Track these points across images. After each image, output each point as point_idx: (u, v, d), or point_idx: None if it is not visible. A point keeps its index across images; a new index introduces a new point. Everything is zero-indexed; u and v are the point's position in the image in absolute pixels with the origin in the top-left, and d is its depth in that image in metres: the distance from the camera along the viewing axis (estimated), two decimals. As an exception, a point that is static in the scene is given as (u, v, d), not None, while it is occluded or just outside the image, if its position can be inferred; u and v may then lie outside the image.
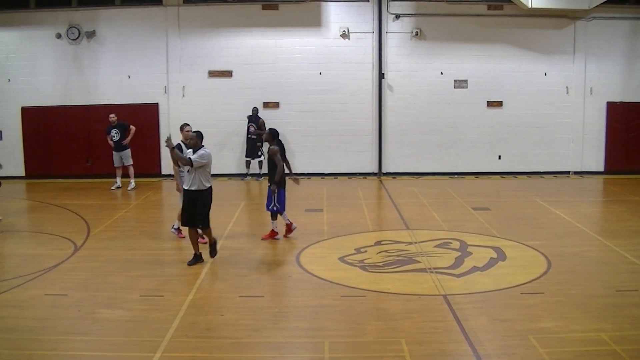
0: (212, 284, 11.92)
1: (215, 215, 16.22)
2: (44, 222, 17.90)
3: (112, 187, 22.04)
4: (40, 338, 9.73)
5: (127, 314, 10.67)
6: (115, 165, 21.99)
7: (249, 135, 22.78)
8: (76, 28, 23.62)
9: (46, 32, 23.94)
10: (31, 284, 12.30)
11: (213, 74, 23.37)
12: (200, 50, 23.45)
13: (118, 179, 22.18)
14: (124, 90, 23.77)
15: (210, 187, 13.05)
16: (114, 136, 21.61)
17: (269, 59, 23.28)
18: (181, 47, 23.50)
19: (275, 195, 14.64)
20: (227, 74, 23.32)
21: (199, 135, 13.01)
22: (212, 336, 9.65)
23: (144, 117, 23.52)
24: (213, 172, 13.63)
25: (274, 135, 14.73)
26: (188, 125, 14.93)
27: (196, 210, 12.82)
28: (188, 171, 12.89)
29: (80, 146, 24.24)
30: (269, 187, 14.69)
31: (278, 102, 23.29)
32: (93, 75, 24.07)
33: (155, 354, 9.07)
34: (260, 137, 21.45)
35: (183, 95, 23.44)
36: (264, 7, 23.11)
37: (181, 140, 14.38)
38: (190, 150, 13.11)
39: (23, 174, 24.59)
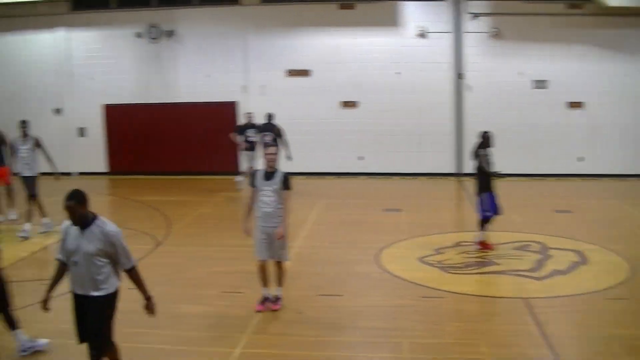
0: (292, 282, 11.92)
1: (294, 214, 16.31)
2: (126, 218, 18.18)
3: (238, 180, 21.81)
4: (122, 331, 9.83)
5: (208, 310, 10.78)
6: (244, 168, 21.43)
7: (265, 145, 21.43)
8: (156, 27, 23.97)
9: (127, 31, 24.36)
10: (114, 278, 12.51)
11: (291, 73, 23.43)
12: (279, 49, 23.54)
13: (241, 177, 21.65)
14: (203, 88, 24.00)
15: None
16: (250, 136, 21.03)
17: (346, 59, 23.23)
18: (259, 46, 23.62)
19: (485, 199, 13.76)
20: (306, 73, 23.35)
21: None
22: (291, 334, 9.68)
23: (223, 115, 23.73)
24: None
25: (487, 138, 13.75)
26: None
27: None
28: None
29: (161, 143, 24.56)
30: (481, 193, 13.79)
31: (356, 102, 23.23)
32: (172, 73, 24.40)
33: (235, 349, 9.14)
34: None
35: (262, 94, 23.54)
36: (341, 7, 23.07)
37: None
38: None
39: (106, 170, 25.05)
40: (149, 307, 7.67)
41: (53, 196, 11.46)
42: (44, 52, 25.07)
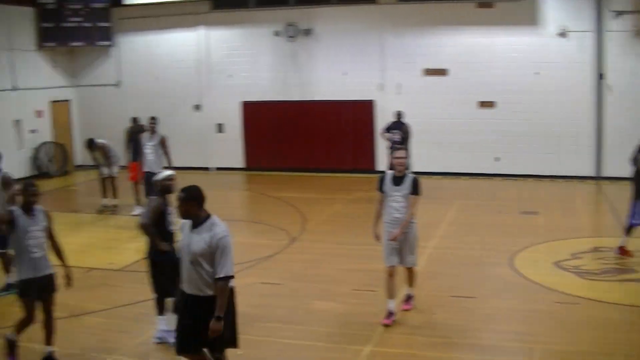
0: (425, 282, 11.90)
1: (429, 214, 16.27)
2: (262, 213, 18.59)
3: None
4: (255, 324, 10.11)
5: (340, 307, 10.90)
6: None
7: (393, 146, 19.69)
8: (294, 26, 24.24)
9: (265, 30, 24.71)
10: (248, 272, 12.81)
11: (428, 72, 23.26)
12: (415, 48, 23.38)
13: None
14: (340, 87, 24.11)
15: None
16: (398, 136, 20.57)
17: (484, 58, 22.85)
18: (396, 44, 23.53)
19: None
20: (443, 72, 23.15)
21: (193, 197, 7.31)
22: (423, 334, 9.67)
23: (359, 114, 23.80)
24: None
25: None
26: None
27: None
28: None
29: (297, 141, 24.85)
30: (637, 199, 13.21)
31: (494, 102, 22.87)
32: (309, 71, 24.65)
33: (365, 347, 9.21)
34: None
35: (398, 93, 23.49)
36: (479, 5, 22.70)
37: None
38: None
39: (243, 165, 25.57)
40: (214, 327, 6.93)
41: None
42: (185, 50, 25.80)
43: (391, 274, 10.16)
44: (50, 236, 8.85)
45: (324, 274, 12.77)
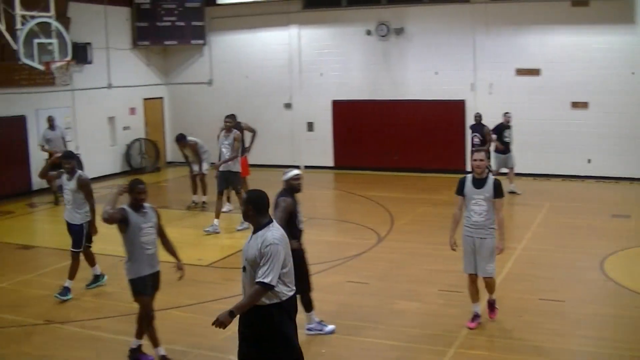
0: (513, 284, 11.77)
1: (518, 216, 16.09)
2: (349, 212, 18.62)
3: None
4: (340, 322, 10.15)
5: (424, 307, 10.85)
6: (495, 169, 19.90)
7: (473, 148, 19.36)
8: (385, 25, 24.19)
9: (356, 29, 24.74)
10: (335, 270, 12.89)
11: (520, 72, 22.90)
12: (507, 47, 23.05)
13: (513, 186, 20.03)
14: (431, 86, 23.95)
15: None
16: (506, 137, 20.06)
17: (577, 57, 22.33)
18: (488, 44, 23.24)
19: None
20: (535, 72, 22.75)
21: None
22: (509, 337, 9.55)
23: (450, 114, 23.60)
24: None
25: None
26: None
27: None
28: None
29: (387, 140, 24.81)
30: None
31: (587, 102, 22.37)
32: (400, 71, 24.56)
33: (449, 348, 9.15)
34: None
35: (490, 93, 23.22)
36: (574, 4, 22.21)
37: None
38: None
39: (332, 164, 25.65)
40: (221, 318, 6.65)
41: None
42: (276, 48, 26.03)
43: (473, 280, 9.97)
44: (161, 232, 9.01)
45: (410, 274, 12.73)
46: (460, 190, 9.86)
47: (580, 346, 9.31)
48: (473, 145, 19.65)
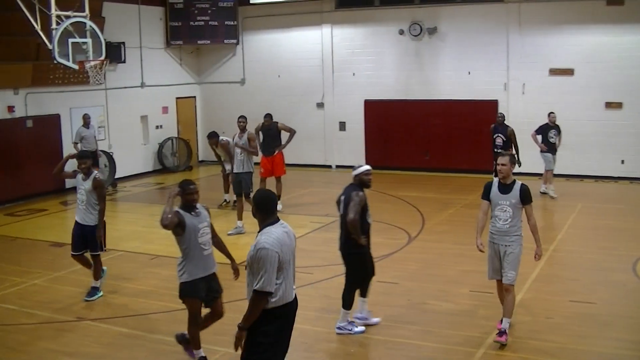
0: (543, 286, 11.69)
1: (550, 216, 15.97)
2: (381, 212, 18.51)
3: (549, 193, 19.73)
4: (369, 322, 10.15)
5: (455, 308, 10.81)
6: (547, 169, 19.77)
7: (495, 150, 19.10)
8: (418, 24, 24.12)
9: (389, 28, 24.71)
10: (365, 270, 12.85)
11: (554, 71, 22.72)
12: (541, 47, 22.86)
13: (544, 186, 19.85)
14: (463, 86, 23.85)
15: None
16: (552, 137, 19.66)
17: (611, 57, 22.08)
18: (521, 43, 23.06)
19: None
20: (569, 72, 22.56)
21: None
22: (537, 338, 9.47)
23: (483, 114, 23.38)
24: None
25: None
26: None
27: None
28: None
29: (419, 140, 24.74)
30: None
31: (621, 103, 22.14)
32: (433, 70, 24.47)
33: (478, 350, 9.11)
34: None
35: (523, 93, 23.06)
36: (609, 3, 21.93)
37: None
38: None
39: (363, 164, 25.49)
40: (236, 335, 6.55)
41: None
42: (309, 48, 26.07)
43: (500, 288, 9.65)
44: (212, 232, 8.85)
45: (441, 274, 12.70)
46: (486, 195, 9.54)
47: (609, 348, 9.21)
48: (495, 146, 19.25)
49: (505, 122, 19.72)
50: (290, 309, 6.72)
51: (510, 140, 19.00)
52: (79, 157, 11.66)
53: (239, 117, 17.09)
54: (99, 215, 11.51)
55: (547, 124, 19.73)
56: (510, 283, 9.32)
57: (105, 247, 11.95)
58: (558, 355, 8.95)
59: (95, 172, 11.68)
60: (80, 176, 11.57)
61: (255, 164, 17.24)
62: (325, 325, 10.18)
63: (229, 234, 15.60)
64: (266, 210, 6.67)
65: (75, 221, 11.66)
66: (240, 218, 16.20)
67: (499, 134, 19.21)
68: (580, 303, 10.87)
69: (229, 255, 9.03)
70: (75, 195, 11.70)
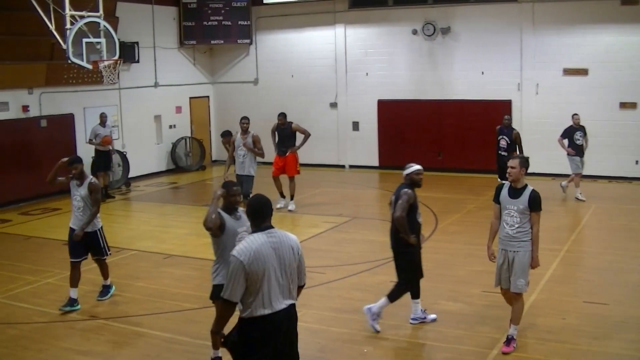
0: (556, 286, 11.65)
1: (564, 217, 15.90)
2: (393, 212, 18.53)
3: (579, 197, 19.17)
4: (382, 322, 10.12)
5: (468, 308, 10.79)
6: (574, 173, 19.26)
7: (499, 152, 18.62)
8: (432, 24, 24.08)
9: (402, 28, 24.67)
10: (378, 270, 12.86)
11: (568, 72, 22.63)
12: (555, 47, 22.78)
13: (579, 191, 19.26)
14: (477, 86, 23.79)
15: None
16: (578, 139, 19.14)
17: (626, 57, 21.95)
18: (535, 43, 22.99)
19: None
20: (583, 72, 22.46)
21: None
22: (551, 339, 9.42)
23: (496, 114, 23.20)
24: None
25: None
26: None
27: None
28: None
29: (432, 140, 24.71)
30: None
31: (635, 103, 22.01)
32: (446, 70, 24.43)
33: (492, 350, 9.08)
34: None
35: (536, 93, 23.00)
36: (623, 3, 21.81)
37: None
38: None
39: (377, 164, 25.60)
40: (212, 342, 6.57)
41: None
42: (322, 48, 26.07)
43: (508, 297, 9.37)
44: None
45: (454, 275, 12.67)
46: (497, 198, 9.27)
47: (623, 350, 9.15)
48: (499, 148, 18.71)
49: (511, 125, 19.08)
50: (272, 321, 6.32)
51: (516, 143, 18.42)
52: (70, 163, 11.13)
53: (242, 118, 16.85)
54: (89, 217, 11.05)
55: (571, 126, 19.28)
56: (519, 291, 9.08)
57: (109, 251, 11.68)
58: (571, 357, 8.90)
59: (90, 177, 11.32)
60: (74, 182, 11.19)
61: (263, 163, 17.12)
62: (339, 325, 10.17)
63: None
64: (256, 216, 6.44)
65: (71, 228, 11.25)
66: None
67: (504, 136, 18.67)
68: (594, 304, 10.82)
69: None
70: (70, 200, 11.41)
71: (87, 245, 11.27)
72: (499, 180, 17.31)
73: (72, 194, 11.21)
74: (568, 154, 19.24)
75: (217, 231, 8.08)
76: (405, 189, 9.70)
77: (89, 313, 11.01)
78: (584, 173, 19.48)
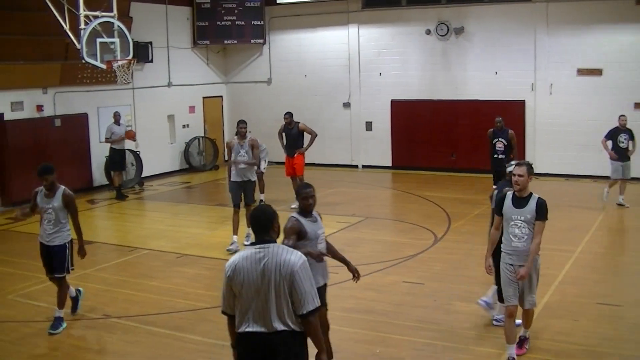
0: (569, 288, 11.60)
1: (577, 218, 15.84)
2: (406, 212, 18.55)
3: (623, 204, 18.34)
4: (395, 322, 10.12)
5: (481, 309, 10.73)
6: (612, 178, 18.60)
7: (495, 155, 17.76)
8: (445, 24, 24.03)
9: (416, 28, 24.63)
10: (390, 270, 12.84)
11: (582, 72, 22.54)
12: (569, 47, 22.69)
13: (621, 198, 18.43)
14: (490, 86, 23.72)
15: None
16: (622, 142, 18.22)
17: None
18: (549, 43, 22.90)
19: None
20: (597, 72, 22.36)
21: None
22: (563, 341, 9.39)
23: (510, 114, 23.08)
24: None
25: None
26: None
27: None
28: None
29: (445, 140, 24.67)
30: None
31: (651, 103, 21.95)
32: (460, 70, 24.38)
33: (504, 351, 9.05)
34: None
35: (550, 93, 22.91)
36: (638, 2, 21.54)
37: None
38: None
39: (390, 164, 25.58)
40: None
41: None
42: (335, 48, 26.05)
43: (511, 314, 8.63)
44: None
45: (467, 275, 12.62)
46: (499, 210, 8.67)
47: (636, 351, 9.13)
48: (495, 152, 17.81)
49: (504, 127, 18.06)
50: (249, 341, 5.93)
51: (512, 145, 17.67)
52: (40, 173, 10.14)
53: (239, 122, 15.22)
54: (77, 232, 10.48)
55: (616, 127, 18.43)
56: (532, 307, 8.87)
57: (72, 266, 10.67)
58: (584, 358, 8.88)
59: (61, 186, 10.42)
60: (42, 194, 10.36)
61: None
62: (351, 324, 10.16)
63: (227, 250, 14.28)
64: (253, 229, 6.05)
65: (40, 243, 10.46)
66: (235, 232, 14.63)
67: (500, 139, 17.79)
68: (607, 305, 10.77)
69: (343, 259, 8.52)
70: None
71: (51, 260, 10.42)
72: (494, 187, 16.18)
73: (43, 207, 10.30)
74: (610, 158, 18.35)
75: (297, 238, 7.72)
76: (508, 187, 8.95)
77: (103, 312, 11.04)
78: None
